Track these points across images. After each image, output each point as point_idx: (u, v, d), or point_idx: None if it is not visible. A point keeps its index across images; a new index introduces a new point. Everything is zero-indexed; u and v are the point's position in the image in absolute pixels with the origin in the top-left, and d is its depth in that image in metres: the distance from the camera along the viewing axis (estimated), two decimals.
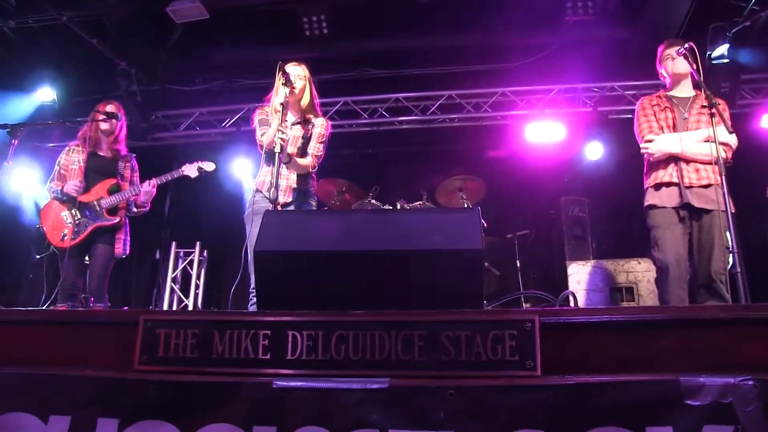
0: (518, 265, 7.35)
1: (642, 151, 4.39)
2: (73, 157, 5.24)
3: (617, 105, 8.38)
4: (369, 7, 7.89)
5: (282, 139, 4.11)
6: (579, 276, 6.64)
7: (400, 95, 8.67)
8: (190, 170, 5.22)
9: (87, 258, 5.04)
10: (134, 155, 5.34)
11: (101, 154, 5.26)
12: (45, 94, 8.55)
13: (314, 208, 4.59)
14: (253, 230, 4.26)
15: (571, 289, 6.62)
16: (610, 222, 8.06)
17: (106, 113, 5.16)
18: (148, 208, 5.16)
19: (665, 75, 4.54)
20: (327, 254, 2.53)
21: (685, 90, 4.48)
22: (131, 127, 6.84)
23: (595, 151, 8.34)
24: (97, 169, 5.14)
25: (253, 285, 4.19)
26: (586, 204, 7.96)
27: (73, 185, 5.02)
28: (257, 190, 4.53)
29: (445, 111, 8.68)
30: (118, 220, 5.00)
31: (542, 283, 7.84)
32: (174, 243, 8.99)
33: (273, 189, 4.02)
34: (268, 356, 2.13)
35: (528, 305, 6.07)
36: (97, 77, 8.64)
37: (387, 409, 1.93)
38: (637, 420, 1.84)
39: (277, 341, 2.14)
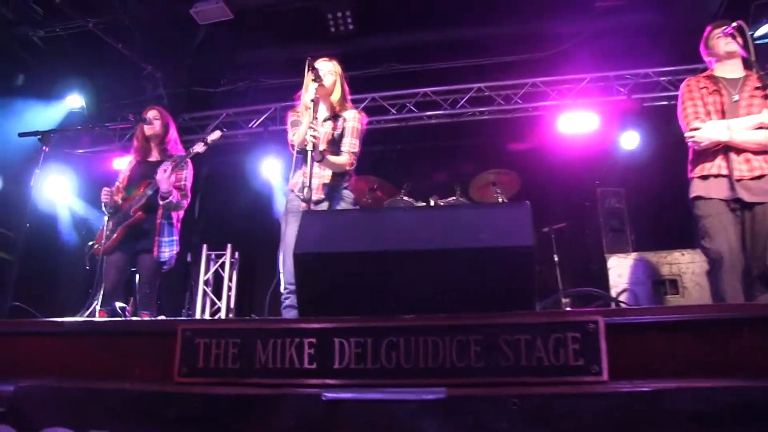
0: (556, 259, 7.16)
1: (687, 139, 4.14)
2: (126, 168, 5.20)
3: (652, 92, 8.15)
4: (394, 1, 7.77)
5: (314, 136, 3.99)
6: (620, 269, 6.45)
7: (428, 89, 8.50)
8: (199, 147, 5.07)
9: (135, 267, 4.95)
10: (183, 154, 5.15)
11: (151, 159, 5.19)
12: (74, 100, 8.54)
13: (350, 205, 4.43)
14: (287, 231, 4.16)
15: (612, 282, 6.45)
16: (649, 213, 7.83)
17: (135, 119, 5.09)
18: (175, 199, 4.90)
19: (712, 56, 4.22)
20: (370, 254, 2.41)
21: (734, 71, 4.13)
22: None
23: (630, 140, 8.13)
24: (142, 175, 5.07)
25: (284, 286, 4.10)
26: (623, 195, 7.77)
27: (104, 191, 4.97)
28: (291, 191, 4.40)
29: (474, 104, 8.50)
30: (140, 214, 4.86)
31: (581, 278, 7.66)
32: (205, 246, 8.94)
33: (306, 188, 3.90)
34: (314, 366, 2.01)
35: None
36: (124, 82, 8.64)
37: (444, 421, 1.80)
38: (715, 429, 1.70)
39: (324, 350, 2.02)
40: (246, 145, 8.85)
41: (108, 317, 4.51)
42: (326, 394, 1.88)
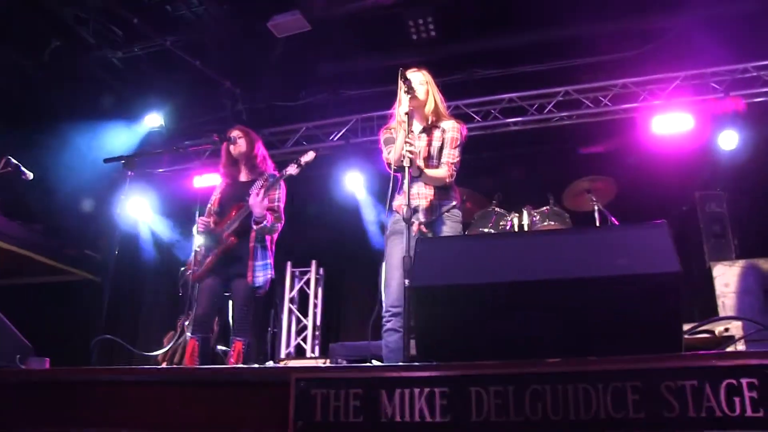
0: None
1: None
2: (216, 191, 5.10)
3: (752, 88, 7.65)
4: (475, 5, 7.49)
5: (410, 151, 3.75)
6: (726, 278, 6.00)
7: (514, 95, 8.20)
8: (292, 169, 4.90)
9: (230, 294, 4.82)
10: (276, 173, 5.00)
11: (241, 180, 5.05)
12: (153, 120, 8.59)
13: (457, 224, 4.16)
14: (392, 252, 3.93)
15: (718, 292, 6.01)
16: (753, 216, 7.32)
17: (220, 139, 4.97)
18: (269, 222, 4.72)
19: None
20: (498, 286, 2.15)
21: None
22: None
23: (728, 141, 7.62)
24: (233, 197, 4.93)
25: (386, 309, 3.87)
26: (724, 198, 7.24)
27: (200, 221, 4.86)
28: (395, 212, 4.17)
29: (562, 108, 8.14)
30: (233, 239, 4.71)
31: (686, 288, 7.21)
32: (289, 262, 8.82)
33: (406, 207, 3.66)
34: (448, 419, 1.77)
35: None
36: (203, 99, 8.65)
37: None
38: None
39: (459, 400, 1.78)
40: (328, 158, 8.68)
41: (200, 347, 4.38)
42: None
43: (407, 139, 3.77)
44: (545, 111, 8.15)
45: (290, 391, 1.89)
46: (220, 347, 4.36)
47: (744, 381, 1.65)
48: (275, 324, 8.35)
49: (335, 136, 8.73)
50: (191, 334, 4.46)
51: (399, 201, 4.08)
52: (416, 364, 1.93)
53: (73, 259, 8.94)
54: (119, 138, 8.43)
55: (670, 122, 7.74)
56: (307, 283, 8.75)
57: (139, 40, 7.86)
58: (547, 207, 6.45)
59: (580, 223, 6.69)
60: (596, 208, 6.51)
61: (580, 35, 7.79)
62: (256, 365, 3.79)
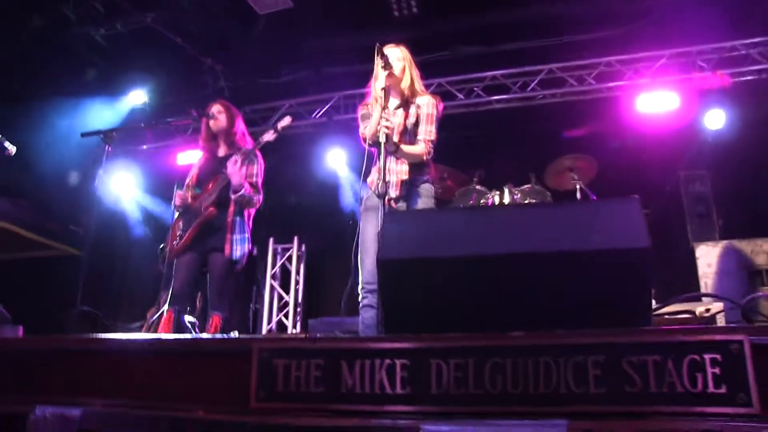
0: None
1: None
2: (195, 166, 5.05)
3: (740, 66, 7.62)
4: None
5: (386, 126, 3.74)
6: (708, 258, 6.02)
7: (497, 72, 8.16)
8: (269, 135, 4.86)
9: (206, 268, 4.79)
10: (252, 146, 4.96)
11: (220, 155, 5.02)
12: (136, 97, 8.53)
13: (430, 200, 4.15)
14: (365, 228, 3.93)
15: (701, 272, 6.04)
16: (738, 197, 7.34)
17: (198, 114, 4.93)
18: (248, 193, 4.69)
19: None
20: (466, 259, 2.14)
21: None
22: None
23: (715, 120, 7.61)
24: (211, 172, 4.89)
25: (361, 285, 3.88)
26: (708, 178, 7.27)
27: (177, 195, 4.82)
28: (368, 187, 4.16)
29: (546, 86, 8.11)
30: (212, 210, 4.67)
31: (666, 267, 7.24)
32: (271, 239, 8.81)
33: (381, 182, 3.66)
34: (407, 391, 1.77)
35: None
36: (186, 76, 8.59)
37: None
38: None
39: (419, 372, 1.78)
40: (310, 135, 8.68)
41: (175, 319, 4.37)
42: (425, 427, 1.63)
43: (383, 115, 3.77)
44: (528, 89, 8.12)
45: (252, 361, 1.89)
46: (188, 318, 4.34)
47: (707, 357, 1.65)
48: (257, 300, 8.38)
49: (318, 113, 8.68)
50: (168, 306, 4.45)
51: (372, 176, 4.07)
52: (377, 336, 1.93)
53: (57, 234, 8.91)
54: (103, 114, 8.36)
55: (656, 101, 7.74)
56: (289, 259, 8.74)
57: (120, 16, 7.77)
58: (529, 185, 6.45)
59: (560, 201, 6.69)
60: (578, 186, 6.52)
61: (565, 12, 7.73)
62: (220, 335, 3.81)
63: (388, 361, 1.80)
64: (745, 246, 5.84)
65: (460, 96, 8.29)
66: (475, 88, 8.28)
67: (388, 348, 1.82)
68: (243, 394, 1.88)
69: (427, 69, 7.93)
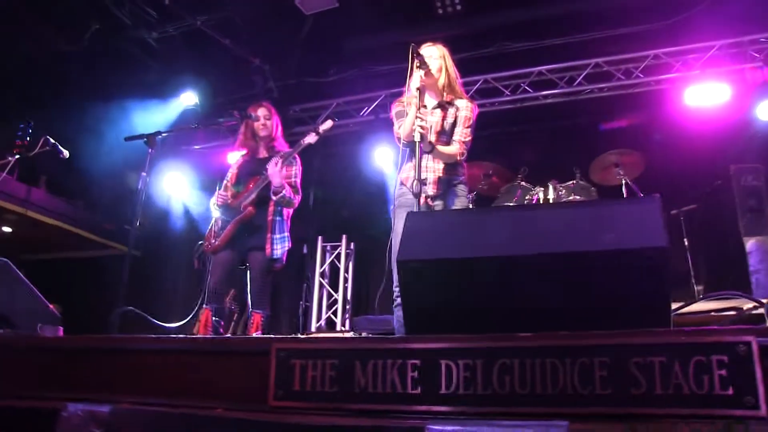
0: (686, 244, 6.65)
1: None
2: (233, 166, 5.16)
3: None
4: None
5: (421, 126, 3.78)
6: (760, 254, 5.90)
7: (543, 68, 8.09)
8: (310, 137, 4.93)
9: (247, 266, 4.90)
10: (293, 149, 5.04)
11: (259, 157, 5.10)
12: (188, 98, 8.75)
13: (465, 200, 4.19)
14: (398, 226, 3.97)
15: (752, 268, 5.91)
16: None
17: (241, 115, 5.04)
18: (288, 194, 4.75)
19: None
20: (481, 261, 2.17)
21: None
22: None
23: None
24: (251, 172, 4.97)
25: (396, 286, 3.91)
26: (761, 172, 7.07)
27: (218, 194, 4.94)
28: (402, 185, 4.21)
29: (592, 81, 8.01)
30: (251, 209, 4.77)
31: (716, 264, 7.09)
32: (320, 237, 8.93)
33: (416, 182, 3.70)
34: (418, 390, 1.81)
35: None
36: (235, 77, 8.76)
37: None
38: None
39: (429, 373, 1.81)
40: (358, 134, 8.76)
41: (213, 317, 4.49)
42: (431, 427, 1.67)
43: (418, 114, 3.80)
44: (575, 83, 8.04)
45: (271, 361, 1.95)
46: (214, 318, 4.46)
47: (714, 358, 1.64)
48: (307, 298, 8.50)
49: (365, 111, 8.77)
50: (205, 305, 4.57)
51: (406, 173, 4.12)
52: (389, 336, 1.98)
53: (112, 234, 9.22)
54: (156, 116, 8.60)
55: (706, 93, 7.57)
56: (338, 257, 8.84)
57: (172, 20, 8.02)
58: (573, 181, 6.40)
59: (606, 197, 6.61)
60: (624, 182, 6.45)
61: (611, 5, 7.65)
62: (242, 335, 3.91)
63: (399, 361, 1.84)
64: None
65: (507, 92, 8.26)
66: (522, 84, 8.24)
67: (400, 348, 1.86)
68: (262, 393, 1.95)
69: (473, 65, 8.04)
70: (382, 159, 8.45)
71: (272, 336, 3.40)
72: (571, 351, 1.74)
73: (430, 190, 3.99)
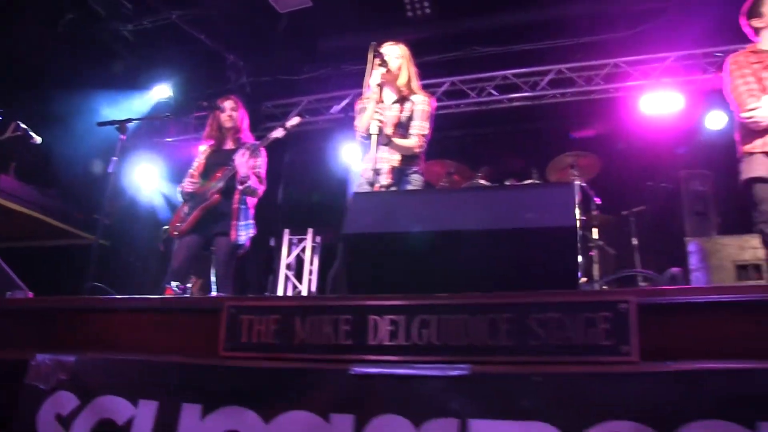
0: (635, 243, 6.97)
1: (746, 120, 3.90)
2: (201, 156, 5.37)
3: None
4: None
5: (379, 120, 4.04)
6: (700, 254, 6.23)
7: (508, 72, 8.38)
8: (278, 132, 5.18)
9: (209, 250, 5.12)
10: (258, 142, 5.30)
11: (225, 148, 5.31)
12: (161, 91, 8.90)
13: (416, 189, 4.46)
14: None
15: (692, 267, 6.24)
16: (735, 196, 7.48)
17: (209, 106, 5.26)
18: (253, 185, 5.00)
19: (760, 26, 3.92)
20: (417, 235, 2.44)
21: None
22: None
23: (716, 121, 7.79)
24: (217, 163, 5.18)
25: None
26: (709, 177, 7.45)
27: (186, 182, 5.15)
28: (361, 175, 4.47)
29: (555, 86, 8.32)
30: (217, 197, 5.01)
31: (662, 262, 7.42)
32: (287, 230, 9.13)
33: (371, 172, 3.97)
34: (349, 342, 2.08)
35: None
36: (209, 72, 8.93)
37: (468, 397, 1.82)
38: (747, 414, 1.64)
39: (358, 327, 2.08)
40: (328, 131, 8.97)
41: (175, 294, 4.71)
42: (355, 369, 1.93)
43: (376, 109, 4.06)
44: (538, 88, 8.33)
45: (222, 317, 2.20)
46: (174, 283, 4.69)
47: (599, 315, 1.93)
48: (273, 289, 8.71)
49: (335, 109, 8.98)
50: (167, 284, 4.78)
51: (363, 165, 4.38)
52: (325, 296, 2.22)
53: (83, 223, 9.33)
54: (129, 107, 8.76)
55: (660, 101, 7.88)
56: (303, 250, 9.04)
57: (147, 13, 8.17)
58: (531, 180, 6.67)
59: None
60: (577, 183, 6.72)
61: (575, 15, 7.95)
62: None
63: (334, 316, 2.10)
64: (734, 242, 6.03)
65: (473, 95, 8.53)
66: (487, 87, 8.50)
67: (334, 305, 2.12)
68: (214, 344, 2.19)
69: (440, 68, 8.32)
70: (350, 156, 8.68)
71: (224, 296, 3.64)
72: (481, 309, 2.01)
73: (384, 179, 4.24)
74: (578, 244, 2.38)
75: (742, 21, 4.06)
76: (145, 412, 2.10)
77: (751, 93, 3.83)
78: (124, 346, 2.35)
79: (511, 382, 1.83)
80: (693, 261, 6.16)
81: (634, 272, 5.13)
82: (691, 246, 6.20)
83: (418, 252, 2.44)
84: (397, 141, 4.33)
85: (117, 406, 2.14)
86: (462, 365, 1.88)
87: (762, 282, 5.69)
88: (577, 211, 2.43)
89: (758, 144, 3.87)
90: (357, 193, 2.86)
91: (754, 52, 3.92)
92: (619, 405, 1.74)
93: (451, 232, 2.44)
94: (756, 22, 3.98)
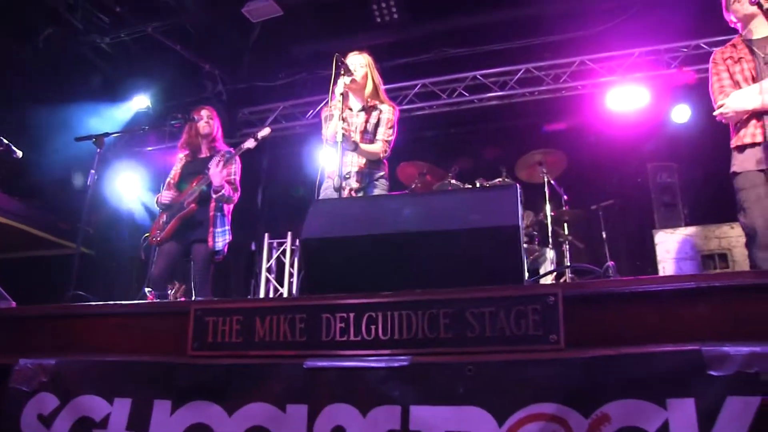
0: (604, 236, 7.20)
1: (717, 117, 4.04)
2: (177, 166, 5.54)
3: (704, 63, 7.96)
4: None
5: (344, 128, 4.24)
6: (667, 245, 6.47)
7: (478, 73, 8.62)
8: (249, 143, 5.38)
9: (188, 257, 5.30)
10: (232, 149, 5.48)
11: (201, 156, 5.50)
12: (140, 101, 9.07)
13: (385, 192, 4.67)
14: None
15: (660, 257, 6.47)
16: (702, 187, 7.73)
17: (184, 117, 5.45)
18: (228, 193, 5.17)
19: (738, 20, 4.03)
20: (367, 238, 2.62)
21: (762, 30, 3.88)
22: None
23: (681, 114, 8.05)
24: (194, 171, 5.38)
25: None
26: (675, 169, 7.66)
27: (164, 195, 5.32)
28: (329, 177, 4.68)
29: (524, 85, 8.57)
30: (193, 206, 5.18)
31: (632, 254, 7.68)
32: (267, 234, 9.30)
33: (337, 177, 4.17)
34: (304, 338, 2.26)
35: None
36: (186, 81, 9.10)
37: (408, 386, 2.02)
38: (659, 392, 1.82)
39: (312, 324, 2.26)
40: (303, 135, 9.17)
41: (157, 300, 4.90)
42: (307, 363, 2.12)
43: (342, 116, 4.27)
44: (507, 88, 8.57)
45: (190, 319, 2.38)
46: (146, 288, 4.88)
47: (530, 307, 2.12)
48: (255, 292, 8.89)
49: (310, 114, 9.18)
50: (148, 292, 4.97)
51: (329, 169, 4.58)
52: (282, 297, 2.40)
53: (66, 233, 9.48)
54: (109, 118, 8.92)
55: (627, 97, 8.15)
56: (284, 253, 9.22)
57: (124, 26, 8.34)
58: (500, 179, 6.87)
59: (530, 194, 7.11)
60: (546, 180, 6.95)
61: (541, 14, 8.16)
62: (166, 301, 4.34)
63: (290, 316, 2.29)
64: (700, 232, 6.27)
65: (444, 96, 8.75)
66: (458, 88, 8.73)
67: (290, 305, 2.31)
68: (182, 345, 2.38)
69: (411, 71, 8.53)
70: (325, 159, 8.84)
71: (191, 300, 3.82)
72: (422, 304, 2.19)
73: (353, 182, 4.44)
74: (522, 243, 2.56)
75: (726, 15, 4.17)
76: (120, 409, 2.28)
77: (721, 89, 3.94)
78: (101, 349, 2.53)
79: (445, 370, 2.02)
80: (660, 252, 6.40)
81: (569, 267, 5.35)
82: (658, 237, 6.43)
83: (368, 254, 2.62)
84: (364, 146, 4.54)
85: (94, 405, 2.32)
86: (404, 356, 2.08)
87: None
88: (520, 212, 2.62)
89: (734, 140, 3.99)
90: (315, 201, 3.05)
91: (734, 45, 4.02)
92: (545, 389, 1.93)
93: (399, 234, 2.62)
94: (732, 15, 4.10)
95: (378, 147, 4.63)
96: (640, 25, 7.98)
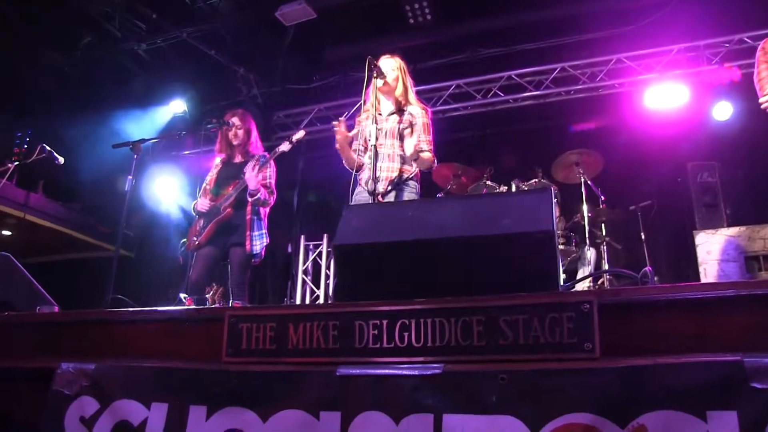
0: (642, 237, 7.10)
1: (763, 106, 3.97)
2: (213, 171, 5.60)
3: (748, 58, 7.77)
4: None
5: (378, 129, 4.25)
6: (709, 246, 6.32)
7: (513, 72, 8.55)
8: (284, 146, 5.42)
9: (225, 261, 5.35)
10: (267, 153, 5.51)
11: (235, 161, 5.54)
12: (177, 106, 9.20)
13: (415, 195, 4.65)
14: None
15: (700, 259, 6.34)
16: (745, 186, 7.58)
17: (218, 123, 5.50)
18: (263, 196, 5.22)
19: None
20: (401, 244, 2.62)
21: None
22: None
23: (723, 112, 7.88)
24: (228, 176, 5.42)
25: None
26: (716, 168, 7.51)
27: (201, 202, 5.37)
28: (359, 184, 4.68)
29: (560, 84, 8.48)
30: (230, 210, 5.23)
31: (671, 255, 7.55)
32: (303, 236, 9.34)
33: (371, 181, 4.17)
34: (337, 346, 2.26)
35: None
36: (221, 85, 9.21)
37: (441, 394, 2.01)
38: (698, 404, 1.78)
39: (345, 331, 2.26)
40: None
41: (195, 304, 4.95)
42: (340, 370, 2.12)
43: (377, 119, 4.29)
44: (543, 87, 8.48)
45: (224, 326, 2.41)
46: (182, 295, 4.94)
47: (564, 315, 2.09)
48: (291, 294, 8.93)
49: (345, 116, 9.16)
50: (187, 296, 5.03)
51: (362, 174, 4.59)
52: (315, 304, 2.41)
53: (107, 236, 9.66)
54: (147, 123, 9.07)
55: (665, 94, 7.99)
56: (320, 255, 9.24)
57: (160, 32, 8.48)
58: (536, 180, 6.82)
59: (566, 194, 7.05)
60: (582, 180, 6.87)
61: (577, 12, 8.06)
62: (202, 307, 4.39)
63: (323, 323, 2.29)
64: (743, 233, 6.11)
65: (478, 96, 8.70)
66: (493, 88, 8.67)
67: (323, 312, 2.32)
68: (217, 351, 2.40)
69: (445, 72, 8.50)
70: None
71: (225, 306, 3.85)
72: (455, 312, 2.18)
73: (381, 187, 4.44)
74: (557, 248, 2.53)
75: None
76: (157, 414, 2.31)
77: None
78: (138, 354, 2.56)
79: (478, 379, 2.01)
80: (701, 253, 6.26)
81: (606, 272, 5.26)
82: (699, 238, 6.29)
83: (401, 261, 2.62)
84: (423, 156, 4.52)
85: (132, 409, 2.35)
86: (436, 365, 2.07)
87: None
88: (556, 215, 2.59)
89: None
90: (348, 206, 3.05)
91: None
92: (580, 399, 1.90)
93: (431, 240, 2.61)
94: None
95: (428, 156, 4.61)
96: (679, 21, 7.84)
